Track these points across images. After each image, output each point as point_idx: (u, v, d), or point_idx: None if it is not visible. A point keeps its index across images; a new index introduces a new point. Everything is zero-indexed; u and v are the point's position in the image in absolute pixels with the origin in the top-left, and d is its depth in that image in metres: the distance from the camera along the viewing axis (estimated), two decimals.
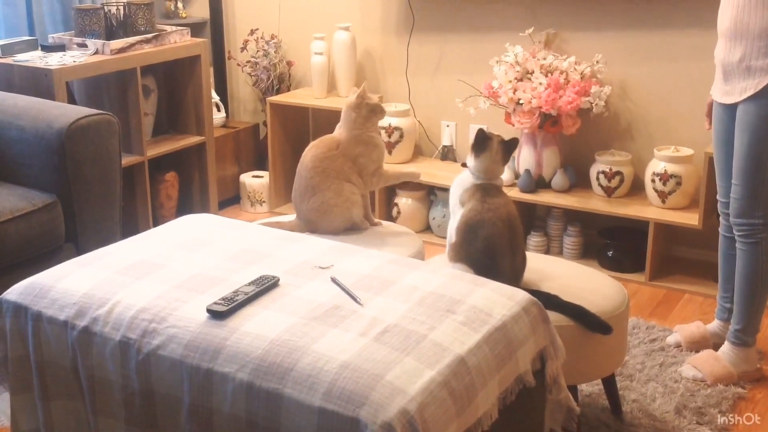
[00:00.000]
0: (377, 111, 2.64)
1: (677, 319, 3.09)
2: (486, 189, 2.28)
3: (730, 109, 2.54)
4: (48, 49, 3.43)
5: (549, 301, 2.11)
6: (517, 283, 2.18)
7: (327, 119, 3.93)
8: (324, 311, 1.79)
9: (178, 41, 3.71)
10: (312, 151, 2.62)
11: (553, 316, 2.06)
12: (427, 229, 3.89)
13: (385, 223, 2.77)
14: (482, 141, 2.29)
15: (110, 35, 3.54)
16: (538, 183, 3.59)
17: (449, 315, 1.81)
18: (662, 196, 3.37)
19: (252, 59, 4.21)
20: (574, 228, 3.59)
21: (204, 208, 3.91)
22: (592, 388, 2.57)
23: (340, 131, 2.64)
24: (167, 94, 3.90)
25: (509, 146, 2.31)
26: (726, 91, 2.53)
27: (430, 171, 3.79)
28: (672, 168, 3.33)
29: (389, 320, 1.76)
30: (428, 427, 1.55)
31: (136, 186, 3.63)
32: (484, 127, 3.72)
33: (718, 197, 2.72)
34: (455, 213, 2.31)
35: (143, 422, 1.80)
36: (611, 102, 3.52)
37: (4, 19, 3.60)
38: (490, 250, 2.20)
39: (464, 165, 2.37)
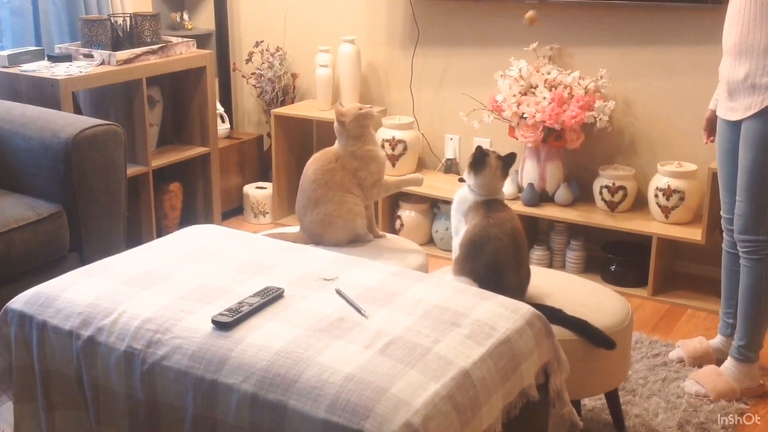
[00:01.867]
0: (363, 119, 2.60)
1: (680, 334, 3.09)
2: (489, 204, 2.28)
3: (735, 125, 2.55)
4: (54, 59, 3.44)
5: (553, 315, 2.11)
6: (522, 297, 2.19)
7: (331, 131, 3.88)
8: (329, 323, 1.80)
9: (183, 52, 3.73)
10: (314, 164, 2.63)
11: (557, 330, 2.06)
12: (430, 241, 3.89)
13: (388, 235, 2.78)
14: (481, 158, 2.29)
15: (116, 46, 3.56)
16: (542, 197, 3.60)
17: (454, 328, 1.81)
18: (665, 211, 3.37)
19: (257, 71, 4.23)
20: (577, 242, 3.60)
21: (207, 219, 3.91)
22: (595, 402, 2.57)
23: (337, 145, 2.65)
24: (172, 105, 3.91)
25: (507, 161, 2.32)
26: (731, 108, 2.54)
27: (433, 184, 3.80)
28: (675, 183, 3.34)
29: (394, 333, 1.76)
30: None
31: (141, 196, 3.64)
32: (486, 142, 3.77)
33: (722, 213, 2.73)
34: (459, 230, 2.31)
35: None
36: (615, 117, 3.53)
37: (11, 29, 3.62)
38: (496, 265, 2.21)
39: (462, 180, 2.37)
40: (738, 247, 2.61)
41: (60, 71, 3.28)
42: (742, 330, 2.65)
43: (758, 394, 2.68)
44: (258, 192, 4.23)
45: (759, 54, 2.42)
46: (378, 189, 2.64)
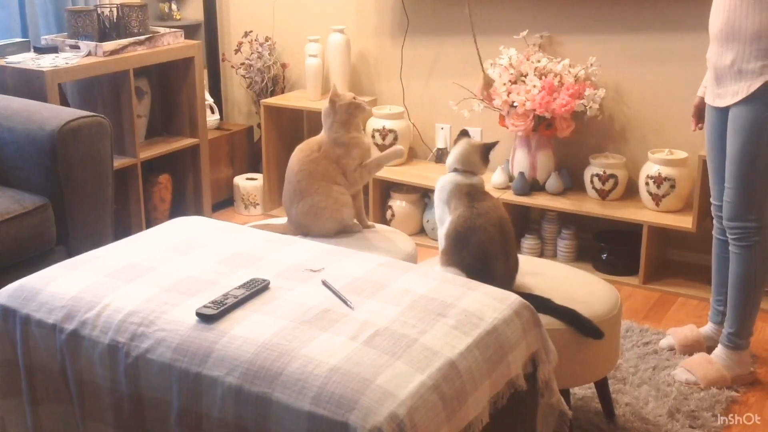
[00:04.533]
0: (355, 108, 2.60)
1: (671, 322, 3.09)
2: (472, 194, 2.27)
3: (722, 112, 2.53)
4: (40, 50, 3.42)
5: (541, 304, 2.10)
6: (510, 287, 2.18)
7: (321, 122, 3.91)
8: (314, 315, 1.78)
9: (171, 43, 3.70)
10: (298, 155, 2.62)
11: (545, 320, 2.05)
12: (422, 231, 3.88)
13: (378, 226, 2.76)
14: (462, 133, 2.42)
15: (103, 37, 3.53)
16: (533, 186, 3.59)
17: (440, 319, 1.80)
18: (656, 199, 3.36)
19: (246, 61, 4.21)
20: (568, 231, 3.59)
21: (197, 211, 3.89)
22: (584, 391, 2.57)
23: (322, 133, 2.64)
24: (161, 96, 3.89)
25: (489, 145, 2.36)
26: (718, 94, 2.53)
27: (424, 174, 3.79)
28: (666, 171, 3.33)
29: (380, 324, 1.75)
30: None
31: (130, 188, 3.62)
32: (476, 131, 3.75)
33: (711, 200, 2.72)
34: (443, 219, 2.30)
35: (132, 426, 1.79)
36: (605, 105, 3.52)
37: None
38: (484, 255, 2.20)
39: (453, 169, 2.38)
40: (727, 234, 2.60)
41: (46, 63, 3.25)
42: (733, 317, 2.64)
43: (749, 382, 2.68)
44: (248, 183, 4.21)
45: (746, 40, 2.40)
46: (361, 172, 2.62)
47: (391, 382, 1.58)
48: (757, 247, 2.54)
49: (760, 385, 2.68)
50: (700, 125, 2.79)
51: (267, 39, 4.19)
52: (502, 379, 1.80)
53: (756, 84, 2.40)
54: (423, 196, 3.88)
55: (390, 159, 2.75)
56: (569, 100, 3.35)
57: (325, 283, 1.92)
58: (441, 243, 2.29)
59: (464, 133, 2.41)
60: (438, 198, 2.33)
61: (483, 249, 2.20)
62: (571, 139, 3.55)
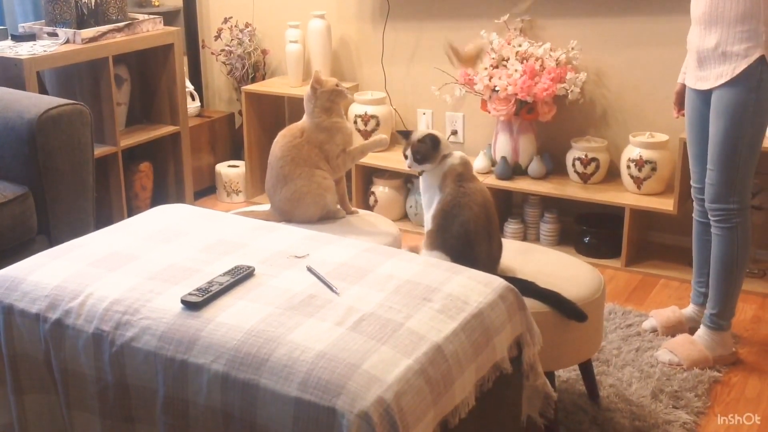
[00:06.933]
0: (336, 95, 2.59)
1: (653, 304, 3.11)
2: (461, 174, 2.27)
3: (705, 95, 2.54)
4: (18, 38, 3.38)
5: (525, 287, 2.11)
6: (494, 270, 2.18)
7: (302, 108, 3.89)
8: (300, 301, 1.78)
9: (150, 30, 3.67)
10: (280, 140, 2.61)
11: (530, 303, 2.06)
12: (405, 217, 3.88)
13: (361, 211, 2.76)
14: (406, 133, 2.38)
15: (81, 24, 3.50)
16: (515, 170, 3.59)
17: (426, 303, 1.80)
18: (638, 182, 3.38)
19: (226, 48, 4.18)
20: (550, 215, 3.60)
21: (179, 199, 3.87)
22: (569, 373, 2.58)
23: (304, 118, 2.63)
24: (140, 83, 3.86)
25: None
26: (700, 77, 2.54)
27: None
28: (647, 154, 3.35)
29: (365, 309, 1.75)
30: (405, 416, 1.54)
31: (110, 177, 3.59)
32: (458, 116, 3.75)
33: (692, 183, 2.74)
34: (432, 201, 2.29)
35: (118, 415, 1.78)
36: (586, 88, 3.53)
37: None
38: (467, 235, 2.20)
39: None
40: (709, 216, 2.62)
41: (24, 51, 3.22)
42: (714, 298, 2.67)
43: (731, 362, 2.70)
44: (230, 170, 4.19)
45: (729, 22, 2.41)
46: (343, 158, 2.61)
47: (377, 367, 1.58)
48: (739, 229, 2.56)
49: (742, 365, 2.71)
50: (682, 112, 2.80)
51: (247, 25, 4.16)
52: (487, 362, 1.81)
53: (741, 66, 2.41)
54: (406, 181, 3.87)
55: (373, 147, 2.77)
56: (551, 84, 3.36)
57: (309, 269, 1.92)
58: (427, 225, 2.29)
59: (406, 133, 2.38)
60: (432, 184, 2.31)
61: (466, 228, 2.20)
62: (552, 123, 3.56)
